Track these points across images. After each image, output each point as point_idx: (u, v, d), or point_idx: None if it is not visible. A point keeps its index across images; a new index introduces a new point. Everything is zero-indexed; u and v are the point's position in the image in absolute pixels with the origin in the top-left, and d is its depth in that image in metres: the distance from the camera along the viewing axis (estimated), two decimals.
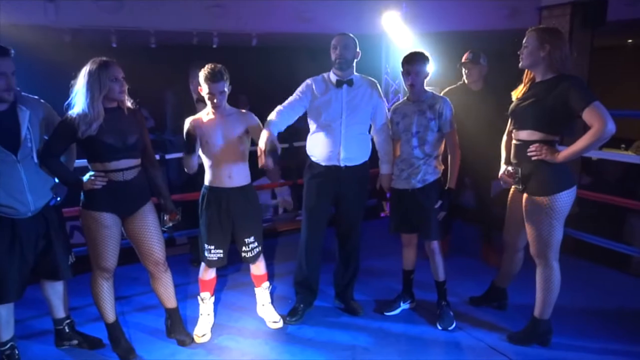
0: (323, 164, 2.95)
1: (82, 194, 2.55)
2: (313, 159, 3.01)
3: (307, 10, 6.19)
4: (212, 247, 2.82)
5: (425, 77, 2.87)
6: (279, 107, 2.84)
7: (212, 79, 2.63)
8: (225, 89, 2.70)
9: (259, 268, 3.06)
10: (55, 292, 2.71)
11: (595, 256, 4.06)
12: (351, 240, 3.14)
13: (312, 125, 3.00)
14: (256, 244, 2.91)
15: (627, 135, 8.65)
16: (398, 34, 5.65)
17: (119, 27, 5.24)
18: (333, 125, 2.88)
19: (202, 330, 2.89)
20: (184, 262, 3.97)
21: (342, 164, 2.93)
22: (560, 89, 2.39)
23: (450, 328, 2.93)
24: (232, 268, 3.78)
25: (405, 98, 3.03)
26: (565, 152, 2.42)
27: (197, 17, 5.65)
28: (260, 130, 2.65)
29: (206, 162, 2.80)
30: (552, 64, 2.44)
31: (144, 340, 2.86)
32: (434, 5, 6.18)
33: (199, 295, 2.96)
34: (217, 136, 2.72)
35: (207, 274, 2.94)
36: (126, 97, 2.54)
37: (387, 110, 3.06)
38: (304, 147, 3.12)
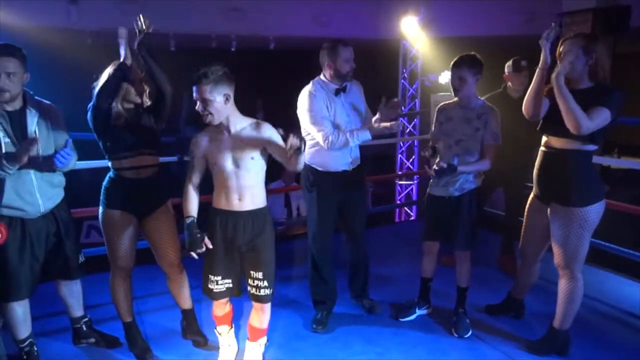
0: (332, 170, 2.93)
1: (102, 192, 2.58)
2: (319, 168, 2.94)
3: (324, 14, 6.21)
4: (219, 277, 2.45)
5: (475, 80, 2.73)
6: (331, 132, 2.79)
7: (195, 80, 2.19)
8: (214, 97, 2.18)
9: (260, 318, 2.51)
10: (70, 292, 2.74)
11: (615, 265, 4.01)
12: (361, 241, 3.17)
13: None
14: (265, 283, 2.42)
15: None
16: (416, 39, 5.64)
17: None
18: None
19: None
20: (200, 264, 3.97)
21: (349, 168, 2.95)
22: (598, 95, 2.35)
23: (466, 336, 2.91)
24: None
25: (453, 101, 2.91)
26: (560, 84, 2.34)
27: (215, 21, 5.71)
28: (279, 145, 2.28)
29: (214, 180, 2.41)
30: (594, 72, 2.40)
31: (160, 340, 2.88)
32: (451, 10, 6.16)
33: (215, 328, 2.68)
34: (226, 158, 2.31)
35: (219, 309, 2.57)
36: (145, 98, 2.59)
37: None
38: None
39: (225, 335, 2.65)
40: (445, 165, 2.68)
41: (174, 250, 2.69)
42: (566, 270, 2.56)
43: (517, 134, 3.28)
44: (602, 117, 2.31)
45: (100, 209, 2.59)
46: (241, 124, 2.33)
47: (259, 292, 2.43)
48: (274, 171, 6.61)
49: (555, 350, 2.69)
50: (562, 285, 2.60)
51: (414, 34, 5.69)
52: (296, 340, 2.92)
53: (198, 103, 2.21)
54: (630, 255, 3.62)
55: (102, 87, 2.41)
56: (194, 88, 2.20)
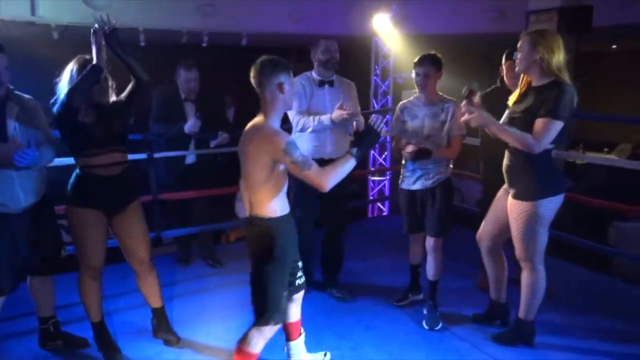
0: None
1: (67, 191, 2.53)
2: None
3: (298, 11, 6.19)
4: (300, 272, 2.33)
5: (437, 79, 2.90)
6: (302, 116, 3.05)
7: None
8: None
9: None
10: (43, 290, 2.69)
11: (576, 258, 4.15)
12: (339, 230, 3.30)
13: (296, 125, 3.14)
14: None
15: (610, 139, 8.82)
16: (388, 36, 5.69)
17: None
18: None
19: None
20: (170, 262, 3.95)
21: (327, 157, 3.03)
22: (548, 95, 2.38)
23: (436, 328, 2.96)
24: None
25: (413, 97, 3.03)
26: (495, 127, 2.46)
27: (187, 16, 5.63)
28: (285, 159, 2.06)
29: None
30: (546, 68, 2.40)
31: (130, 340, 2.84)
32: (423, 7, 6.23)
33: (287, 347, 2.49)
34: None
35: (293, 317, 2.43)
36: (111, 92, 2.56)
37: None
38: None
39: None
40: (421, 147, 2.82)
41: (145, 248, 2.66)
42: (526, 263, 2.61)
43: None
44: (552, 130, 2.36)
45: (68, 208, 2.54)
46: (255, 126, 2.23)
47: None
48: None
49: (522, 341, 2.77)
50: (524, 277, 2.66)
51: (386, 31, 5.74)
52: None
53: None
54: (590, 247, 3.74)
55: (76, 88, 2.36)
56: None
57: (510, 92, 3.02)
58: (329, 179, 2.07)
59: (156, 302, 2.79)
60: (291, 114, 3.09)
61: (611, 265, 4.57)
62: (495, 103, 2.81)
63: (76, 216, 2.51)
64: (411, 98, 3.05)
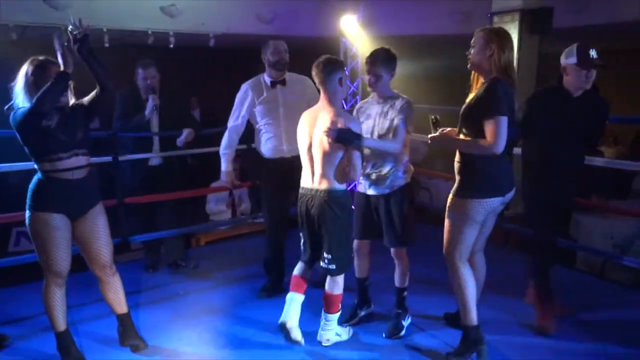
0: (272, 157, 3.27)
1: (28, 196, 2.45)
2: (264, 155, 3.29)
3: (266, 12, 6.17)
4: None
5: (389, 76, 2.76)
6: (227, 132, 3.29)
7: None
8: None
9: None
10: None
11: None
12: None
13: (256, 125, 3.29)
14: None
15: None
16: (355, 37, 5.71)
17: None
18: (274, 122, 3.20)
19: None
20: (137, 269, 3.86)
21: (288, 155, 3.18)
22: (482, 95, 2.35)
23: (393, 337, 2.86)
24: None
25: (370, 97, 2.91)
26: (449, 139, 2.48)
27: (153, 17, 5.53)
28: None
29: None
30: (496, 65, 2.35)
31: (95, 350, 2.77)
32: (389, 9, 6.29)
33: (330, 315, 2.76)
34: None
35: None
36: (70, 95, 2.50)
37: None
38: None
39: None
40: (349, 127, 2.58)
41: (107, 252, 2.61)
42: (448, 258, 2.54)
43: (567, 137, 2.79)
44: (500, 127, 2.29)
45: (29, 214, 2.46)
46: None
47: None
48: (217, 169, 6.53)
49: (474, 350, 2.56)
50: (450, 276, 2.57)
51: (354, 32, 5.76)
52: (234, 340, 2.89)
53: None
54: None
55: (45, 97, 2.27)
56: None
57: (569, 97, 2.77)
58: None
59: (121, 308, 2.72)
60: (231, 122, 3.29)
61: (577, 259, 4.70)
62: (548, 102, 2.77)
63: (40, 221, 2.44)
64: (368, 98, 2.94)
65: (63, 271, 2.51)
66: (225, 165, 3.29)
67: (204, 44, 6.26)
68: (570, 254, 4.59)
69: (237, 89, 3.31)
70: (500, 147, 2.31)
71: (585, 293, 3.49)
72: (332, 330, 2.80)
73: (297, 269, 2.81)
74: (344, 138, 2.52)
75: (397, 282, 2.95)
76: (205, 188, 5.35)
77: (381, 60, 2.72)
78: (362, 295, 3.10)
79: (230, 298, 3.38)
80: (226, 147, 3.29)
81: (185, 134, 3.62)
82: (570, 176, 2.88)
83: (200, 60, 8.08)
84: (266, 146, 3.26)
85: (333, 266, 2.67)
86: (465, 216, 2.45)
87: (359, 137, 2.54)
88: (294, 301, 2.73)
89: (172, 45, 5.91)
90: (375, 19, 5.96)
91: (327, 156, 2.59)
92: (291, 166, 3.03)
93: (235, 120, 3.25)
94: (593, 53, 2.72)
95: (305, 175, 2.71)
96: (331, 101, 2.64)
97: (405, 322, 2.95)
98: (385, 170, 2.77)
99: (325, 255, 2.67)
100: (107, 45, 5.42)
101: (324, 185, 2.63)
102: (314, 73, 2.62)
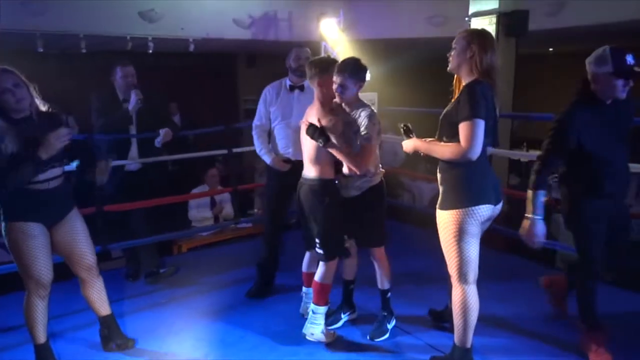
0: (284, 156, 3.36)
1: (3, 207, 2.41)
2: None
3: (245, 17, 6.16)
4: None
5: (357, 87, 2.65)
6: (255, 127, 3.39)
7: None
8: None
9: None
10: None
11: (523, 252, 4.29)
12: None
13: (271, 125, 3.38)
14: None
15: None
16: (336, 41, 5.74)
17: (45, 30, 4.98)
18: (285, 124, 3.30)
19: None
20: (118, 277, 3.79)
21: (293, 158, 3.25)
22: (461, 98, 2.26)
23: (376, 340, 2.86)
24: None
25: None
26: (421, 144, 2.40)
27: (130, 22, 5.48)
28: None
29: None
30: (476, 67, 2.26)
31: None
32: (369, 13, 6.34)
33: (316, 306, 2.84)
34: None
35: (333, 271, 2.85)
36: (37, 102, 2.44)
37: None
38: (243, 153, 3.17)
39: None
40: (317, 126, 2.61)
41: (91, 252, 2.61)
42: (453, 279, 2.38)
43: (615, 145, 2.52)
44: (475, 130, 2.17)
45: (4, 224, 2.41)
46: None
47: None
48: (199, 175, 6.48)
49: None
50: (452, 295, 2.41)
51: (334, 36, 5.79)
52: (214, 340, 2.89)
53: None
54: None
55: (11, 180, 2.30)
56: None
57: (602, 103, 2.49)
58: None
59: (105, 310, 2.73)
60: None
61: (556, 258, 4.76)
62: (586, 117, 2.46)
63: (18, 231, 2.39)
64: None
65: (46, 280, 2.47)
66: (268, 159, 3.34)
67: (183, 49, 6.24)
68: (549, 254, 4.66)
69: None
70: (475, 152, 2.19)
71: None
72: (319, 327, 2.83)
73: (304, 264, 3.05)
74: (310, 135, 2.62)
75: (378, 284, 2.95)
76: (185, 194, 5.31)
77: (349, 70, 2.62)
78: (346, 299, 3.08)
79: (213, 304, 3.34)
80: (259, 146, 3.38)
81: (163, 132, 3.55)
82: (626, 183, 2.62)
83: (180, 65, 8.04)
84: (276, 147, 3.38)
85: (322, 251, 2.76)
86: (456, 230, 2.29)
87: (323, 139, 2.58)
88: (308, 295, 3.02)
89: (151, 51, 5.87)
90: (355, 23, 6.00)
91: (309, 148, 2.73)
92: (294, 169, 3.07)
93: (259, 120, 3.40)
94: (630, 59, 2.37)
95: (304, 165, 2.83)
96: (320, 98, 2.73)
97: (390, 325, 2.96)
98: (350, 175, 2.74)
99: (316, 240, 2.77)
100: (84, 51, 5.35)
101: (311, 174, 2.75)
102: (307, 71, 2.73)
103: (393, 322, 2.98)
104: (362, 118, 2.63)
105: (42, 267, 2.44)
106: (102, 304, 2.71)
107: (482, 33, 2.34)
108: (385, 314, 2.95)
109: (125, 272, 3.85)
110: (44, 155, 2.32)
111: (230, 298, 3.43)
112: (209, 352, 2.80)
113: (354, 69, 2.64)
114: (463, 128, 2.19)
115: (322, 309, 2.84)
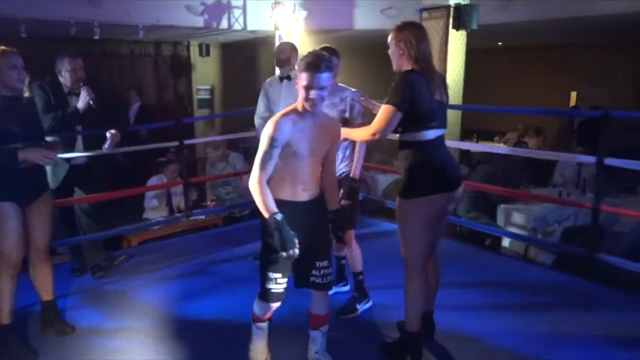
0: None
1: None
2: None
3: (197, 3, 6.01)
4: (279, 275, 2.27)
5: (337, 72, 2.83)
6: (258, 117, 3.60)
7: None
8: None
9: (325, 304, 2.44)
10: None
11: (471, 240, 4.45)
12: None
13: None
14: (330, 269, 2.39)
15: (500, 129, 9.61)
16: (289, 32, 5.70)
17: None
18: (275, 110, 3.30)
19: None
20: (65, 272, 3.65)
21: None
22: (388, 94, 2.31)
23: (341, 317, 2.96)
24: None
25: None
26: (345, 131, 2.50)
27: (74, 6, 5.24)
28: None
29: (277, 170, 2.25)
30: (409, 59, 2.31)
31: None
32: (324, 3, 6.32)
33: (254, 324, 2.47)
34: (308, 146, 2.27)
35: (269, 313, 2.43)
36: (25, 88, 2.58)
37: None
38: (194, 145, 3.09)
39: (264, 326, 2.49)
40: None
41: (44, 237, 2.68)
42: (406, 262, 2.46)
43: None
44: (386, 115, 2.26)
45: None
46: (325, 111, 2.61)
47: (326, 279, 2.35)
48: (151, 167, 6.31)
49: (410, 352, 2.49)
50: (405, 279, 2.46)
51: (288, 26, 5.75)
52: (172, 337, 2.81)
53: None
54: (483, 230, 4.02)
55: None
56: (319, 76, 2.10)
57: None
58: None
59: (48, 294, 2.78)
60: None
61: (501, 245, 4.95)
62: None
63: None
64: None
65: (18, 260, 2.55)
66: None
67: (132, 36, 6.02)
68: (496, 241, 4.85)
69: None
70: (383, 134, 2.28)
71: (510, 275, 3.70)
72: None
73: None
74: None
75: (350, 267, 3.10)
76: (138, 187, 5.18)
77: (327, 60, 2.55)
78: (359, 290, 3.07)
79: (162, 296, 3.29)
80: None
81: (110, 136, 3.27)
82: None
83: (131, 52, 7.76)
84: None
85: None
86: (413, 217, 2.37)
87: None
88: None
89: (97, 37, 5.63)
90: (310, 13, 5.97)
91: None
92: None
93: (264, 113, 3.58)
94: None
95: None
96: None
97: (361, 306, 3.06)
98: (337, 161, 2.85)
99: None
100: (24, 35, 5.06)
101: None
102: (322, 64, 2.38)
103: (368, 304, 3.09)
104: (349, 102, 2.92)
105: (18, 246, 2.52)
106: (46, 288, 2.76)
107: (404, 26, 2.38)
108: (357, 294, 3.07)
109: (71, 266, 3.72)
110: (21, 157, 2.43)
111: (179, 290, 3.38)
112: (157, 342, 2.76)
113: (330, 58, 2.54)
114: (380, 112, 2.31)
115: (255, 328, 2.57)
